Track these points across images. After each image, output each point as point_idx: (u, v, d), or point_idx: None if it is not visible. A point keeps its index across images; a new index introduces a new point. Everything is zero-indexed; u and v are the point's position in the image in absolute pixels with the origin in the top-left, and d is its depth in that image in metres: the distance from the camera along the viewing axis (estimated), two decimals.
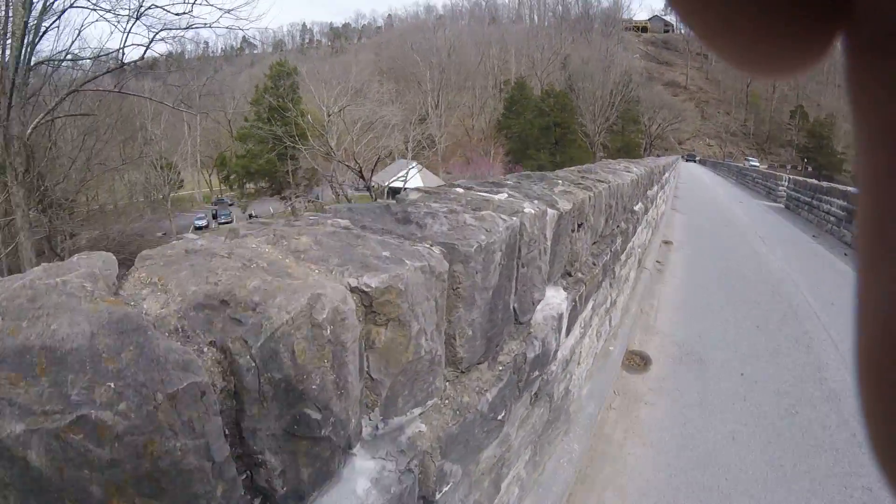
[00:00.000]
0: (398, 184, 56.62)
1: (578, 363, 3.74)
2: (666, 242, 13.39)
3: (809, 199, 21.61)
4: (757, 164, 74.04)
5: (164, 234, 53.97)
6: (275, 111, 49.98)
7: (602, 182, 3.83)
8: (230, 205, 66.85)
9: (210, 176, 74.88)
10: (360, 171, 49.83)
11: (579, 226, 3.07)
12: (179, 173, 62.40)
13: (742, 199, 29.73)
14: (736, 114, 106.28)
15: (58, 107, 19.53)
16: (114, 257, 1.27)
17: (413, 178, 61.30)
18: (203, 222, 60.30)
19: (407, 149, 60.70)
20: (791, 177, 28.70)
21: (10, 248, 19.39)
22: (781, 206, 26.63)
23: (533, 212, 2.10)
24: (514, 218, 1.91)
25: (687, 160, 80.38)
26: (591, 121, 78.83)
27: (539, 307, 2.45)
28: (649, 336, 7.26)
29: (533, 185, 2.99)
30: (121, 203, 45.95)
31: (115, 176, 41.08)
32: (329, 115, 50.26)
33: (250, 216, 51.93)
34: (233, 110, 72.97)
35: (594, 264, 3.58)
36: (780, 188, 28.55)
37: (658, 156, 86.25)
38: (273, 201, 57.87)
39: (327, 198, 59.25)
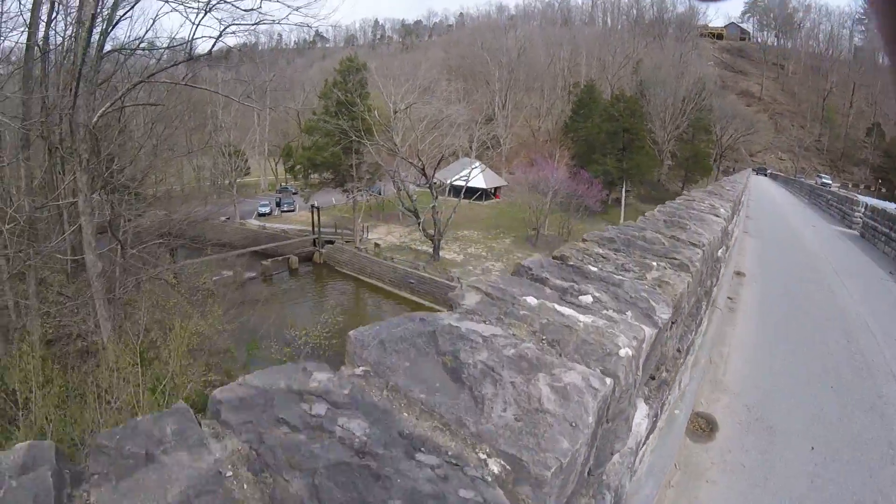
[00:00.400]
0: (460, 182, 56.50)
1: (644, 450, 3.22)
2: (738, 274, 12.52)
3: (888, 231, 20.13)
4: (829, 181, 70.29)
5: (228, 218, 55.36)
6: (342, 105, 50.33)
7: (696, 247, 3.30)
8: (294, 193, 68.05)
9: (276, 164, 76.18)
10: (423, 169, 49.90)
11: (673, 323, 2.56)
12: (247, 160, 63.87)
13: (815, 222, 28.34)
14: (810, 128, 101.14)
15: (126, 95, 19.86)
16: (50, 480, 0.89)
17: (476, 177, 61.07)
18: (266, 209, 61.74)
19: (471, 148, 60.35)
20: (869, 202, 27.07)
21: (73, 230, 19.87)
22: (856, 233, 25.16)
23: (630, 353, 1.61)
24: (608, 380, 1.42)
25: (757, 173, 77.61)
26: (661, 128, 76.69)
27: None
28: (717, 394, 6.55)
29: (623, 271, 2.58)
30: (188, 187, 47.09)
31: (184, 160, 42.00)
32: (396, 112, 50.47)
33: (312, 207, 52.65)
34: (302, 102, 74.00)
35: (679, 351, 3.05)
36: (856, 214, 26.94)
37: (729, 168, 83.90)
38: (336, 193, 58.50)
39: (389, 192, 59.55)
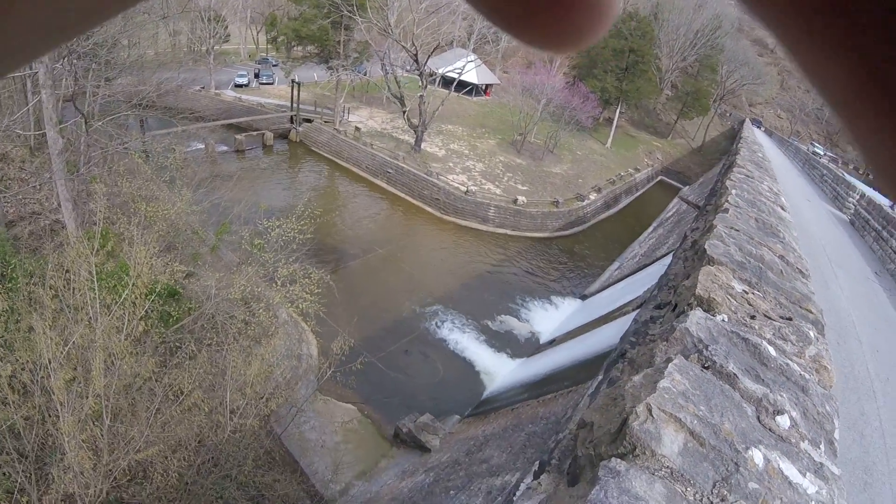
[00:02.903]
0: (453, 74, 54.02)
1: None
2: None
3: (879, 228, 20.49)
4: (821, 151, 71.38)
5: (203, 88, 52.11)
6: None
7: (803, 276, 3.51)
8: (274, 66, 64.44)
9: (258, 34, 71.76)
10: (416, 55, 47.38)
11: None
12: (227, 27, 59.46)
13: (810, 196, 28.34)
14: (815, 94, 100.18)
15: None
16: None
17: (469, 71, 58.52)
18: (244, 80, 58.35)
19: (469, 40, 57.49)
20: (865, 190, 27.20)
21: (35, 102, 18.00)
22: (847, 218, 25.39)
23: None
24: None
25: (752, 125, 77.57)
26: (668, 56, 74.41)
27: None
28: None
29: (782, 339, 2.46)
30: (162, 54, 43.79)
31: (159, 24, 38.66)
32: None
33: (293, 81, 49.77)
34: None
35: None
36: (850, 199, 26.92)
37: (726, 112, 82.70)
38: (319, 69, 55.39)
39: (376, 74, 56.96)
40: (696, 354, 2.07)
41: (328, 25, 48.89)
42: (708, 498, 1.44)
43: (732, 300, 2.72)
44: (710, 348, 2.08)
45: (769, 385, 2.02)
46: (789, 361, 2.29)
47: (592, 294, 36.63)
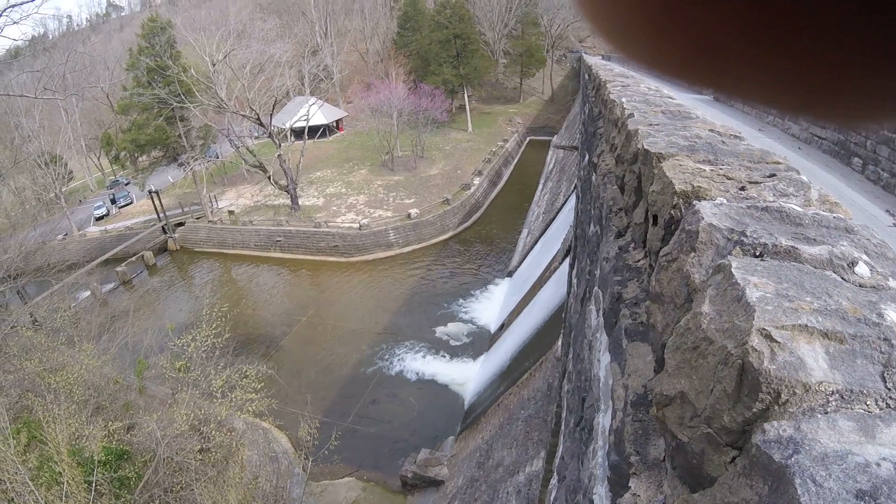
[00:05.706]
0: (301, 123, 53.48)
1: None
2: None
3: None
4: None
5: (66, 234, 49.12)
6: (154, 72, 45.01)
7: (740, 139, 3.15)
8: (126, 184, 61.70)
9: (98, 159, 68.51)
10: (258, 118, 46.68)
11: None
12: (66, 164, 56.41)
13: (665, 88, 29.49)
14: None
15: None
16: None
17: (315, 114, 58.05)
18: (102, 210, 55.48)
19: (303, 85, 57.15)
20: None
21: None
22: (709, 97, 26.55)
23: None
24: None
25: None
26: (490, 28, 76.44)
27: None
28: None
29: (783, 196, 2.49)
30: (11, 215, 41.05)
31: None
32: (214, 65, 46.22)
33: (150, 192, 47.68)
34: (109, 82, 65.85)
35: None
36: None
37: (562, 57, 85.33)
38: (171, 170, 53.54)
39: (227, 153, 55.61)
40: (738, 247, 1.83)
41: (163, 124, 47.40)
42: (890, 396, 1.17)
43: (713, 182, 2.53)
44: (748, 232, 1.83)
45: (821, 241, 1.81)
46: (817, 210, 2.10)
47: (517, 267, 37.28)
